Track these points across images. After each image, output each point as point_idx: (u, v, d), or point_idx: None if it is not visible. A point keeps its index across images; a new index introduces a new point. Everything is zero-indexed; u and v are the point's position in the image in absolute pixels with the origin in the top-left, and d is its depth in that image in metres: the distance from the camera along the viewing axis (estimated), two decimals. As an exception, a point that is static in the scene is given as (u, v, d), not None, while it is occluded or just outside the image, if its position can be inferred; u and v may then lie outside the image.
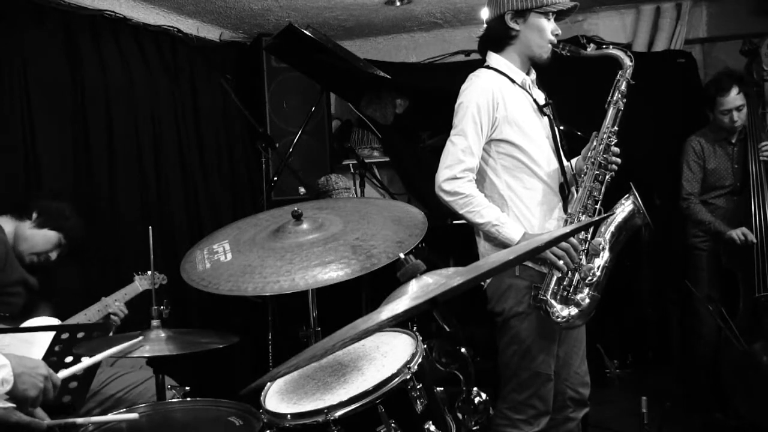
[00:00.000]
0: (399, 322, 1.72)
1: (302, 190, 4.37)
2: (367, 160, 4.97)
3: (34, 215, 2.71)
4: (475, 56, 5.01)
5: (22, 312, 2.60)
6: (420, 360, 1.67)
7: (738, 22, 4.60)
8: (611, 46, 2.51)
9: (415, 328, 1.91)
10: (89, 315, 2.86)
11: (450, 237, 4.11)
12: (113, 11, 3.74)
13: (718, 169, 3.76)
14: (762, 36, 3.82)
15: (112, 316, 2.90)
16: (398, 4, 4.36)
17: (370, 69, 4.25)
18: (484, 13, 4.26)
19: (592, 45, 2.46)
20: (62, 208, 2.79)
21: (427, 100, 4.72)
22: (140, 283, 3.06)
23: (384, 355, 1.79)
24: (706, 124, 3.99)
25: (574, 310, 2.38)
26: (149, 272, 3.05)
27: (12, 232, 2.66)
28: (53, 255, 2.78)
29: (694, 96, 4.52)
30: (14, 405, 1.61)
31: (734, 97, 3.62)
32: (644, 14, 4.75)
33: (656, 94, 4.30)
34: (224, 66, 4.61)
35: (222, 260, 1.90)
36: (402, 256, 1.70)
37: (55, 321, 2.64)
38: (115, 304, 2.93)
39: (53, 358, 2.05)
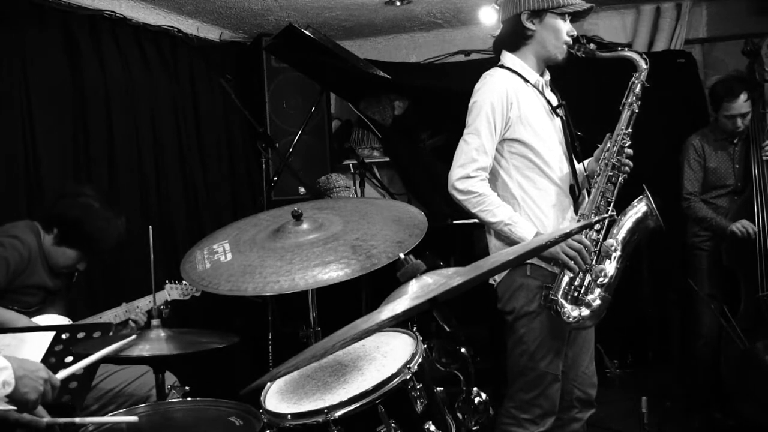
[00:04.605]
0: (399, 322, 1.72)
1: (302, 190, 4.37)
2: (367, 160, 4.98)
3: (55, 230, 2.63)
4: (475, 56, 5.03)
5: (36, 309, 2.62)
6: (420, 360, 1.67)
7: (738, 22, 4.60)
8: (626, 48, 2.50)
9: (415, 328, 1.91)
10: (105, 319, 2.82)
11: (450, 237, 4.11)
12: (113, 11, 3.74)
13: (718, 169, 3.75)
14: (762, 36, 3.82)
15: (131, 322, 2.85)
16: (398, 4, 4.36)
17: (370, 69, 4.25)
18: (484, 14, 4.28)
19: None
20: (82, 224, 2.62)
21: (427, 100, 4.72)
22: (170, 292, 3.01)
23: (384, 355, 1.79)
24: (706, 124, 3.99)
25: (585, 311, 2.38)
26: (183, 282, 3.02)
27: (40, 238, 2.62)
28: (80, 266, 2.74)
29: (694, 96, 4.53)
30: (14, 407, 1.61)
31: (741, 104, 3.58)
32: (644, 14, 4.76)
33: (656, 94, 4.29)
34: (224, 66, 4.61)
35: (222, 260, 1.90)
36: (402, 256, 1.70)
37: (65, 320, 2.64)
38: (136, 310, 2.86)
39: (53, 358, 2.05)
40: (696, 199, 3.76)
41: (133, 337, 1.92)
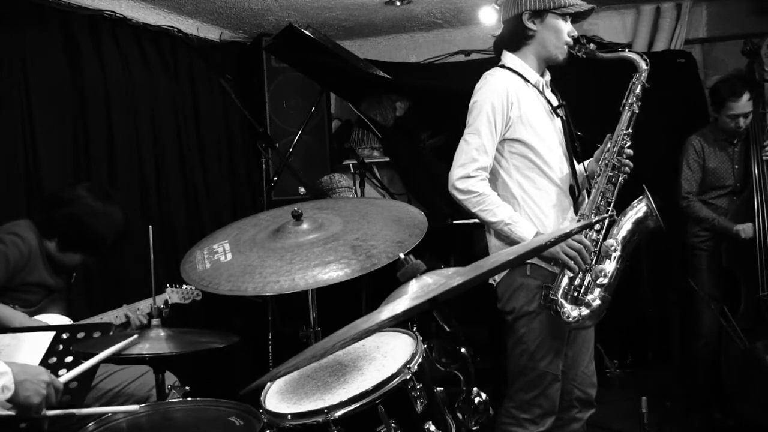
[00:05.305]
0: (399, 322, 1.72)
1: (302, 190, 4.37)
2: (367, 160, 4.98)
3: (56, 239, 2.65)
4: (475, 56, 5.02)
5: (38, 307, 2.62)
6: (420, 360, 1.67)
7: (738, 22, 4.60)
8: (627, 49, 2.50)
9: (415, 328, 1.91)
10: (105, 320, 2.79)
11: (450, 237, 4.11)
12: (113, 11, 3.74)
13: (718, 169, 3.75)
14: (762, 36, 3.82)
15: (132, 323, 2.85)
16: (398, 4, 4.36)
17: (370, 69, 4.25)
18: (484, 14, 4.28)
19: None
20: (82, 231, 2.65)
21: (427, 100, 4.72)
22: (170, 296, 3.01)
23: (384, 355, 1.79)
24: (706, 124, 3.99)
25: (584, 311, 2.38)
26: (184, 286, 3.02)
27: (37, 237, 2.63)
28: (89, 262, 2.83)
29: (694, 96, 4.53)
30: (14, 413, 1.61)
31: (745, 104, 3.58)
32: (644, 14, 4.76)
33: (656, 94, 4.29)
34: (224, 66, 4.61)
35: (222, 260, 1.90)
36: (402, 256, 1.70)
37: (66, 319, 2.65)
38: (137, 312, 2.86)
39: (54, 358, 2.05)
40: (694, 199, 3.76)
41: (135, 336, 1.93)
